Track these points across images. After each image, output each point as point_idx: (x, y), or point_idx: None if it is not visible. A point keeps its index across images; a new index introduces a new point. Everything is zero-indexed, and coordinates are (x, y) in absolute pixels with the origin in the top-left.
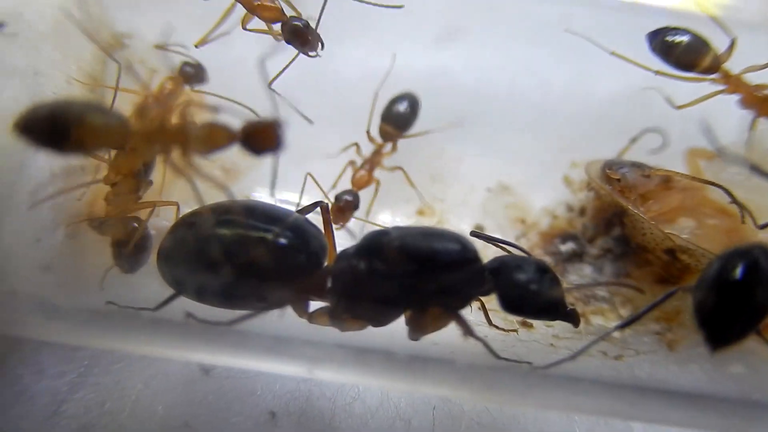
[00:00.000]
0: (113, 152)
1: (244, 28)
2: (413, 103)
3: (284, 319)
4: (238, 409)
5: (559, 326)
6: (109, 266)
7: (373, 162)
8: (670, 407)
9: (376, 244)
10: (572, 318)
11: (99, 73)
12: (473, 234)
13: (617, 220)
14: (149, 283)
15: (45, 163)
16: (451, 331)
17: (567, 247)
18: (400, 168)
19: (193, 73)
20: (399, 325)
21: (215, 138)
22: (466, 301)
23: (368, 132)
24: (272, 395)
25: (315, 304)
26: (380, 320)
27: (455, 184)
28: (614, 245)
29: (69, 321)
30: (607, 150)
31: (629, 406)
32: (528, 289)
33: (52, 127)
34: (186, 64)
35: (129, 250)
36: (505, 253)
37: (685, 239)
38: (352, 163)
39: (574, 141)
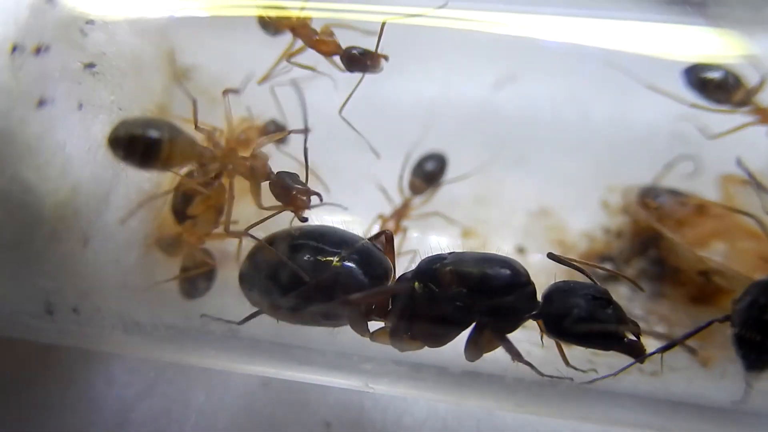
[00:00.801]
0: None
1: (289, 61)
2: (441, 162)
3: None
4: (294, 419)
5: None
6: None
7: (400, 214)
8: (703, 421)
9: (431, 269)
10: (632, 349)
11: (167, 104)
12: (549, 256)
13: (653, 243)
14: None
15: (125, 191)
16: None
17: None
18: (438, 213)
19: (274, 131)
20: (452, 342)
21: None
22: (515, 325)
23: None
24: (326, 406)
25: (375, 324)
26: (435, 341)
27: (498, 206)
28: (649, 266)
29: (143, 335)
30: (643, 176)
31: (665, 419)
32: (571, 316)
33: (146, 142)
34: (272, 122)
35: (194, 277)
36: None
37: (718, 262)
38: (381, 216)
39: (612, 167)
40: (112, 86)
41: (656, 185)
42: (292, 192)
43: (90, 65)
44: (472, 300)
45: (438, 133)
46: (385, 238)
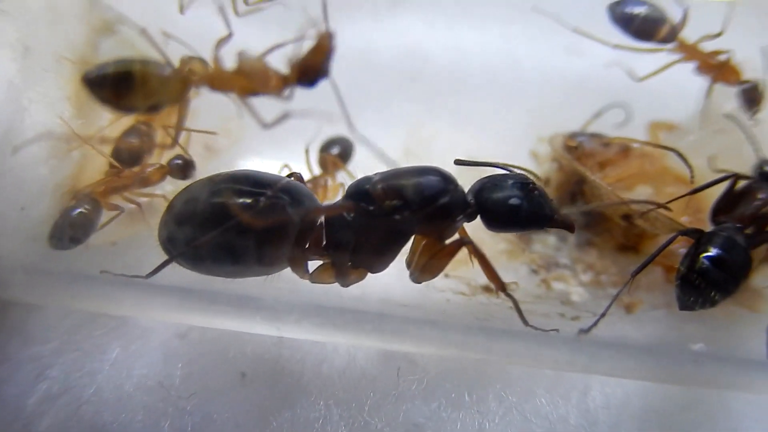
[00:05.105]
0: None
1: None
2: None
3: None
4: (210, 370)
5: (521, 292)
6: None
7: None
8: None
9: (362, 190)
10: (566, 225)
11: (90, 57)
12: (457, 162)
13: (579, 190)
14: (131, 252)
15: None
16: (417, 292)
17: None
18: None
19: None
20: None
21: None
22: (454, 228)
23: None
24: (243, 357)
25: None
26: (378, 264)
27: (427, 159)
28: (577, 216)
29: (52, 285)
30: (573, 125)
31: (587, 358)
32: (507, 204)
33: (118, 80)
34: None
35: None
36: None
37: (639, 202)
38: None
39: (543, 117)
40: (19, 25)
41: (583, 131)
42: None
43: None
44: (408, 210)
45: (367, 85)
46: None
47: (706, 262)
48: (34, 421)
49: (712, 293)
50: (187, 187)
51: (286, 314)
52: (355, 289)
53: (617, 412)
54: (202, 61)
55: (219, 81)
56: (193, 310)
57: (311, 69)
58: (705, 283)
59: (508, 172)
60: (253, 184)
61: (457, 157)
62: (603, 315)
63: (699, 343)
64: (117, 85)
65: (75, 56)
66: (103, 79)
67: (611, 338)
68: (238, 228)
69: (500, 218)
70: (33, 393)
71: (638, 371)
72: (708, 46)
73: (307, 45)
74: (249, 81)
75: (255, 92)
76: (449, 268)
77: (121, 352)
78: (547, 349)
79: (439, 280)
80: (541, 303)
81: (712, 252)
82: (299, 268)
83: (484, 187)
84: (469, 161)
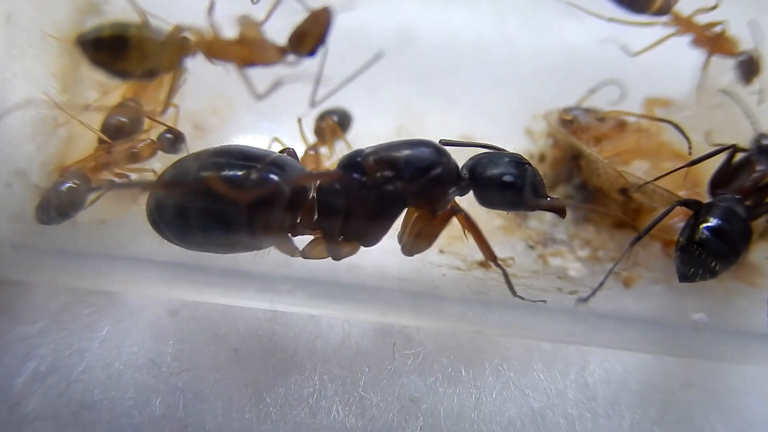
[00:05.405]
0: None
1: None
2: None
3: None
4: (202, 346)
5: (517, 267)
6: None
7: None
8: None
9: (354, 162)
10: (558, 209)
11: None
12: (443, 142)
13: (575, 165)
14: (121, 230)
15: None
16: (413, 267)
17: None
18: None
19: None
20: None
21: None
22: (446, 201)
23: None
24: (236, 334)
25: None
26: (371, 238)
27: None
28: (574, 192)
29: (40, 261)
30: (568, 102)
31: (587, 329)
32: (501, 181)
33: (114, 42)
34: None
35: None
36: None
37: (637, 176)
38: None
39: (537, 94)
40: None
41: (578, 106)
42: None
43: None
44: (400, 181)
45: (358, 64)
46: (288, 156)
47: (705, 232)
48: (22, 402)
49: (713, 263)
50: (177, 161)
51: (279, 285)
52: (350, 262)
53: (616, 386)
54: (198, 29)
55: (216, 49)
56: (185, 283)
57: (310, 38)
58: (705, 253)
59: (504, 151)
60: (243, 157)
61: (449, 137)
62: (602, 284)
63: (699, 314)
64: (112, 47)
65: (60, 34)
66: (98, 41)
67: (610, 311)
68: (227, 201)
69: (493, 194)
70: (21, 373)
71: (638, 342)
72: (703, 20)
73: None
74: (247, 50)
75: (252, 62)
76: (445, 244)
77: (111, 330)
78: (546, 321)
79: (435, 256)
80: (538, 278)
81: (712, 222)
82: (287, 245)
83: (480, 161)
84: (455, 141)
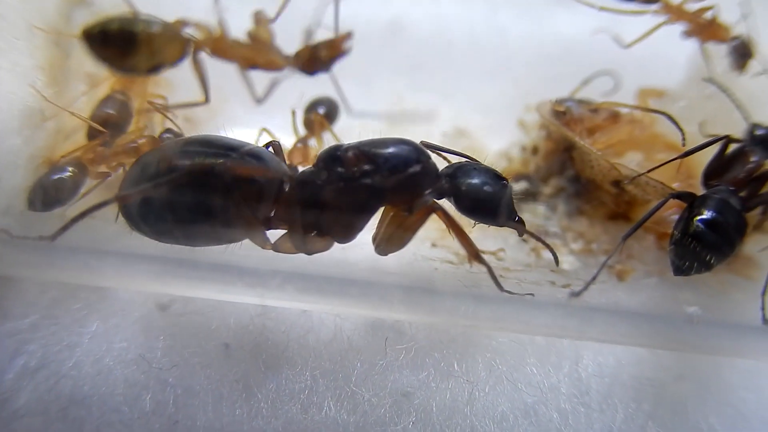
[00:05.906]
0: None
1: None
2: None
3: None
4: (192, 342)
5: (510, 260)
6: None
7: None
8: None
9: (333, 156)
10: (521, 230)
11: (62, 28)
12: (423, 143)
13: (568, 157)
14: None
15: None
16: (404, 261)
17: (520, 186)
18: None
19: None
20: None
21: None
22: (423, 201)
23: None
24: (226, 329)
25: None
26: (346, 233)
27: (413, 131)
28: (567, 184)
29: (29, 256)
30: (561, 94)
31: (580, 323)
32: (483, 191)
33: (122, 38)
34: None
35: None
36: None
37: (630, 168)
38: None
39: (530, 86)
40: None
41: (571, 97)
42: None
43: None
44: (378, 175)
45: (350, 56)
46: (273, 149)
47: (700, 224)
48: (11, 397)
49: (708, 256)
50: (155, 149)
51: (269, 279)
52: (341, 256)
53: (609, 381)
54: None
55: (222, 47)
56: (175, 278)
57: (318, 62)
58: (700, 246)
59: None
60: (219, 147)
61: (442, 129)
62: (595, 277)
63: (693, 307)
64: (120, 43)
65: (47, 26)
66: (105, 36)
67: (604, 304)
68: (201, 189)
69: (471, 203)
70: (11, 368)
71: (631, 336)
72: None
73: (322, 37)
74: (253, 52)
75: (256, 65)
76: (437, 238)
77: (101, 326)
78: (540, 315)
79: (427, 249)
80: (531, 271)
81: (706, 214)
82: (259, 236)
83: (462, 167)
84: (435, 145)
